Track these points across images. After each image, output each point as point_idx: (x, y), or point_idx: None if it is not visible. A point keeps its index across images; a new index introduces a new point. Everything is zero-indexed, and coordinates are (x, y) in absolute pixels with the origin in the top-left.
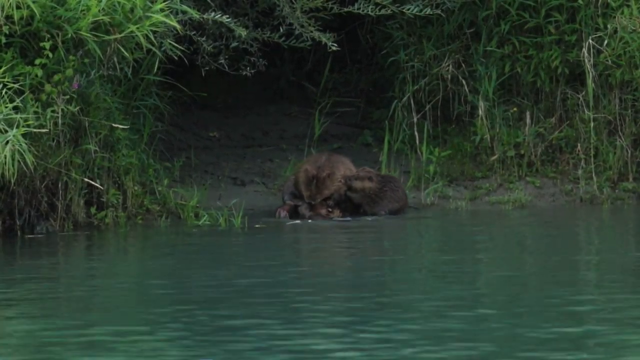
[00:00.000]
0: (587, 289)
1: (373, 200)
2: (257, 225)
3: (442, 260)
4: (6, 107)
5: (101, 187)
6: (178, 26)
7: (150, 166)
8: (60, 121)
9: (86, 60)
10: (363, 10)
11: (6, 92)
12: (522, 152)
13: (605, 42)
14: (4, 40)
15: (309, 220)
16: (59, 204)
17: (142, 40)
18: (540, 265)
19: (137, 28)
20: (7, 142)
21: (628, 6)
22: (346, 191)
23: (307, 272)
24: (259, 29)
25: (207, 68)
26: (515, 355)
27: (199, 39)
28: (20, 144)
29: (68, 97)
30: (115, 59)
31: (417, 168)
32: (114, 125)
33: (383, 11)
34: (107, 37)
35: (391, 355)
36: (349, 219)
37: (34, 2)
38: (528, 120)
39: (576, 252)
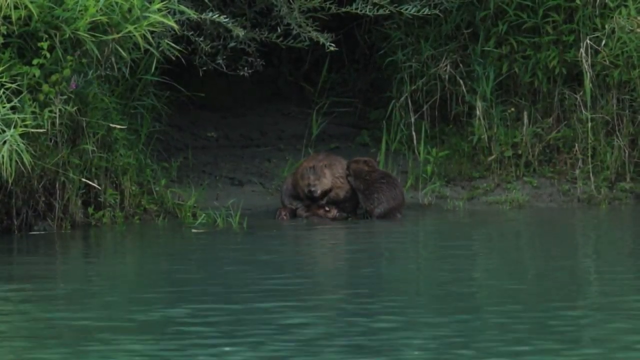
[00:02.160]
0: (583, 286)
1: (367, 188)
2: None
3: (440, 259)
4: (4, 107)
5: (99, 187)
6: (176, 26)
7: (148, 166)
8: (57, 121)
9: (84, 60)
10: (361, 11)
11: (4, 92)
12: (520, 152)
13: (603, 42)
14: (1, 40)
15: (305, 219)
16: (57, 203)
17: (140, 40)
18: (536, 264)
19: (135, 28)
20: (5, 142)
21: (626, 6)
22: (347, 175)
23: (305, 272)
24: (257, 29)
25: (204, 68)
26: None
27: (196, 39)
28: (18, 144)
29: (66, 97)
30: (113, 59)
31: (414, 168)
32: (111, 125)
33: (381, 11)
34: (104, 37)
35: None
36: (345, 214)
37: (31, 2)
38: (525, 120)
39: (573, 251)
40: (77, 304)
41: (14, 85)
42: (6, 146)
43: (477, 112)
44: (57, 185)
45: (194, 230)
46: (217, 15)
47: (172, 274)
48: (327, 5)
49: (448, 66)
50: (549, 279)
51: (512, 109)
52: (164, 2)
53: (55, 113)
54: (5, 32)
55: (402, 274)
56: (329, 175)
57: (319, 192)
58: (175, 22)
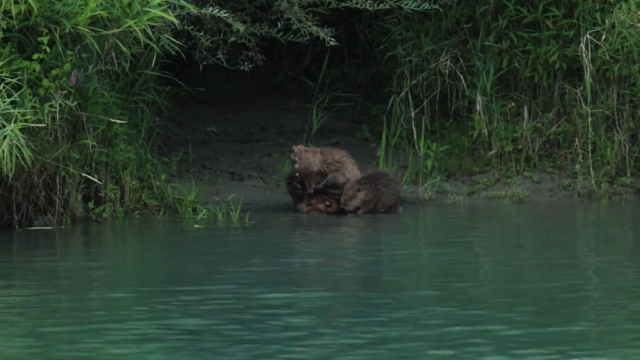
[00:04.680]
0: (582, 282)
1: (372, 204)
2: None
3: (440, 256)
4: (4, 102)
5: (99, 182)
6: (176, 21)
7: (148, 161)
8: (58, 116)
9: (84, 55)
10: (361, 5)
11: (4, 87)
12: (520, 147)
13: (603, 37)
14: (1, 35)
15: (307, 213)
16: (57, 198)
17: (140, 35)
18: (535, 259)
19: (135, 23)
20: (5, 136)
21: (626, 1)
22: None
23: (306, 270)
24: (257, 24)
25: (205, 63)
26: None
27: (196, 33)
28: (18, 139)
29: (66, 91)
30: (113, 54)
31: (414, 163)
32: (111, 120)
33: (381, 6)
34: (105, 32)
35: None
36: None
37: None
38: (526, 115)
39: (573, 247)
40: (76, 299)
41: (14, 80)
42: (6, 141)
43: (478, 107)
44: (57, 180)
45: (195, 226)
46: (217, 10)
47: (170, 269)
48: (327, 0)
49: (448, 61)
50: (545, 274)
51: (513, 104)
52: None
53: (56, 108)
54: (5, 27)
55: (400, 270)
56: (318, 159)
57: (297, 160)
58: (176, 16)
